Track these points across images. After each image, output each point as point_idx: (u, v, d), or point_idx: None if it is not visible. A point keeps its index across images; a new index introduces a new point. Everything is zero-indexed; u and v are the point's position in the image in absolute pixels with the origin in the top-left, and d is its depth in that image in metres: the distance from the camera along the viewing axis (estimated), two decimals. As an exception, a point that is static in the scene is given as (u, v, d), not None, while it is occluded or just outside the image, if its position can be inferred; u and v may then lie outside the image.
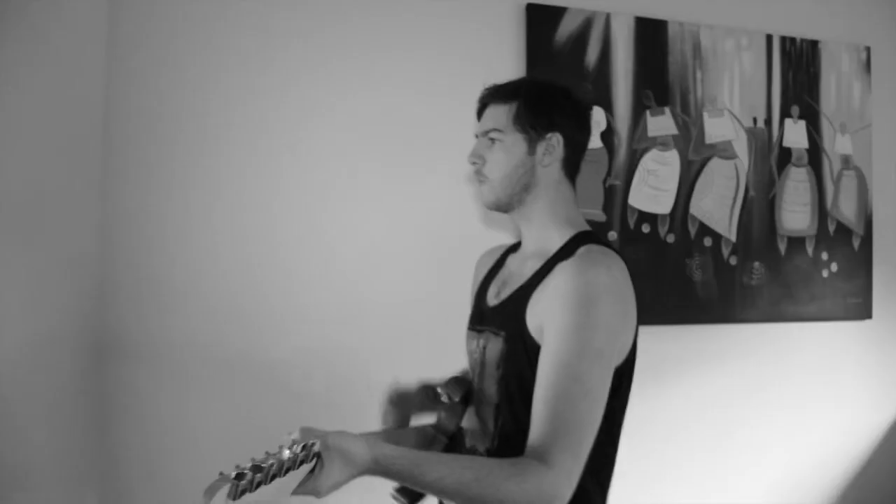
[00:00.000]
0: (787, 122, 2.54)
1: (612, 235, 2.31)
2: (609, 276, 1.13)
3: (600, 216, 2.30)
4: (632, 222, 2.34)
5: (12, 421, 1.66)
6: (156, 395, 1.94)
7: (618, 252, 1.21)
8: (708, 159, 2.43)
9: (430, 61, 2.19)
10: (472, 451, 1.28)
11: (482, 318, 1.32)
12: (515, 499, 1.01)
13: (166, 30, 1.98)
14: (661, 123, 2.38)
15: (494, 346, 1.24)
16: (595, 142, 2.30)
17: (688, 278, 2.39)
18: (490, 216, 2.14)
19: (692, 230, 2.41)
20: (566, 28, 2.28)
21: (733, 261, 2.45)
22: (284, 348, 2.02)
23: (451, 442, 1.27)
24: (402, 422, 1.35)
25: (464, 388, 1.29)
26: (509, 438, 1.20)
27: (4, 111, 1.62)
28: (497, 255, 1.41)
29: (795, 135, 2.55)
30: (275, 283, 2.03)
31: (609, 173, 2.31)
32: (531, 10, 2.25)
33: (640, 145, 2.35)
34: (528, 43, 2.24)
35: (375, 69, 2.14)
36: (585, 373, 1.08)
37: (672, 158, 2.39)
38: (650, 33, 2.38)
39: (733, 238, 2.45)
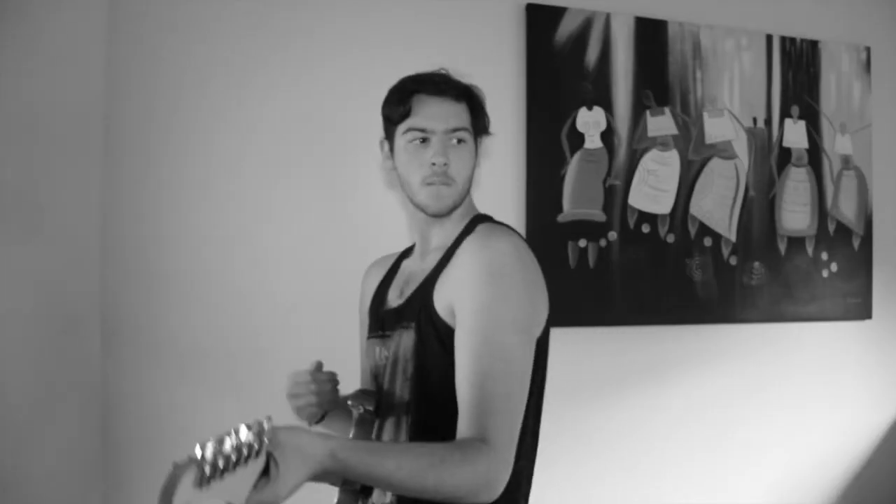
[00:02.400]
0: (787, 122, 2.54)
1: (613, 235, 2.31)
2: (513, 245, 1.12)
3: (600, 216, 2.30)
4: (632, 222, 2.34)
5: (14, 412, 1.66)
6: (155, 384, 1.94)
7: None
8: (708, 159, 2.43)
9: (429, 61, 2.18)
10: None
11: (383, 323, 1.26)
12: (469, 483, 0.97)
13: (166, 29, 1.98)
14: (661, 123, 2.38)
15: (406, 341, 1.18)
16: (595, 142, 2.30)
17: (688, 278, 2.39)
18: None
19: (692, 230, 2.41)
20: (566, 28, 2.28)
21: (733, 261, 2.45)
22: (280, 342, 2.02)
23: None
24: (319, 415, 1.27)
25: (374, 398, 1.23)
26: (422, 436, 1.15)
27: (3, 108, 1.62)
28: (389, 264, 1.38)
29: (795, 135, 2.55)
30: (282, 278, 2.03)
31: (609, 173, 2.31)
32: (531, 10, 2.25)
33: (640, 145, 2.35)
34: (528, 43, 2.24)
35: (375, 69, 2.13)
36: (508, 347, 1.06)
37: (672, 158, 2.39)
38: (650, 33, 2.37)
39: (733, 238, 2.45)
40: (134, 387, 1.93)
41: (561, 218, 2.26)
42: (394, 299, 1.27)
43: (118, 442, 1.91)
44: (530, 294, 1.13)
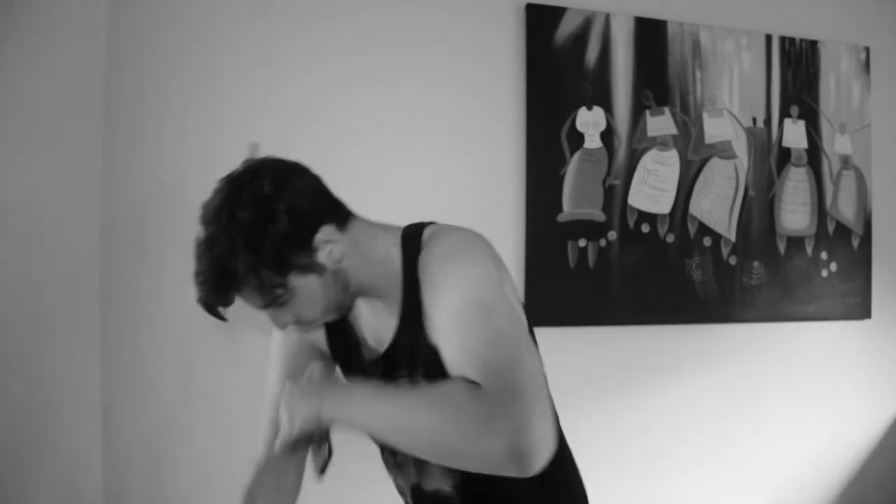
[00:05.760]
0: (787, 122, 2.54)
1: (612, 235, 2.31)
2: (458, 230, 1.03)
3: (600, 216, 2.30)
4: (631, 222, 2.34)
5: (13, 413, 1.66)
6: (155, 380, 1.94)
7: None
8: (707, 159, 2.44)
9: (428, 61, 2.19)
10: (437, 495, 1.13)
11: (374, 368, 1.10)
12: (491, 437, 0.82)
13: (165, 19, 1.98)
14: (660, 123, 2.38)
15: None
16: (595, 142, 2.30)
17: (687, 278, 2.40)
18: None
19: (692, 230, 2.41)
20: (566, 28, 2.28)
21: (733, 261, 2.45)
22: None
23: None
24: None
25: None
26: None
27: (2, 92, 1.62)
28: None
29: (795, 135, 2.55)
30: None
31: (609, 173, 2.31)
32: (531, 10, 2.25)
33: (639, 145, 2.35)
34: (528, 43, 2.25)
35: (374, 69, 2.14)
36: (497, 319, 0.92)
37: (672, 158, 2.39)
38: (650, 33, 2.38)
39: (733, 238, 2.45)
40: (134, 387, 1.93)
41: (561, 218, 2.26)
42: (374, 342, 1.11)
43: (117, 440, 1.91)
44: (494, 261, 1.00)
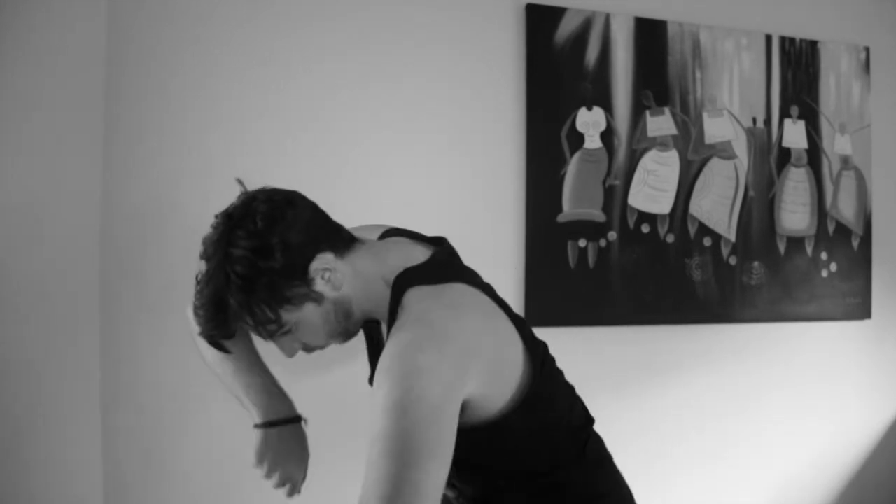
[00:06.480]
0: (787, 122, 2.54)
1: (612, 235, 2.31)
2: (416, 325, 0.95)
3: (600, 216, 2.30)
4: (631, 222, 2.34)
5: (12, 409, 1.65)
6: (155, 374, 1.94)
7: (458, 273, 1.07)
8: (707, 159, 2.44)
9: (428, 61, 2.19)
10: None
11: None
12: None
13: (166, 21, 1.98)
14: (660, 123, 2.38)
15: None
16: (595, 142, 2.30)
17: (687, 278, 2.40)
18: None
19: (692, 230, 2.41)
20: (566, 28, 2.28)
21: (733, 261, 2.45)
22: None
23: None
24: None
25: None
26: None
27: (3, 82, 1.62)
28: None
29: (795, 135, 2.55)
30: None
31: (609, 173, 2.32)
32: (531, 10, 2.25)
33: (639, 145, 2.36)
34: (528, 43, 2.25)
35: (374, 69, 2.14)
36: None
37: (671, 158, 2.39)
38: (650, 33, 2.38)
39: (733, 238, 2.45)
40: (134, 387, 1.93)
41: (561, 218, 2.26)
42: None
43: (117, 440, 1.91)
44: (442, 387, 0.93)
